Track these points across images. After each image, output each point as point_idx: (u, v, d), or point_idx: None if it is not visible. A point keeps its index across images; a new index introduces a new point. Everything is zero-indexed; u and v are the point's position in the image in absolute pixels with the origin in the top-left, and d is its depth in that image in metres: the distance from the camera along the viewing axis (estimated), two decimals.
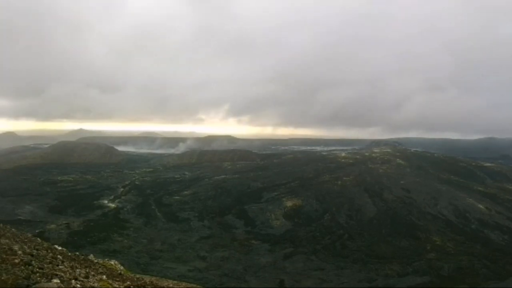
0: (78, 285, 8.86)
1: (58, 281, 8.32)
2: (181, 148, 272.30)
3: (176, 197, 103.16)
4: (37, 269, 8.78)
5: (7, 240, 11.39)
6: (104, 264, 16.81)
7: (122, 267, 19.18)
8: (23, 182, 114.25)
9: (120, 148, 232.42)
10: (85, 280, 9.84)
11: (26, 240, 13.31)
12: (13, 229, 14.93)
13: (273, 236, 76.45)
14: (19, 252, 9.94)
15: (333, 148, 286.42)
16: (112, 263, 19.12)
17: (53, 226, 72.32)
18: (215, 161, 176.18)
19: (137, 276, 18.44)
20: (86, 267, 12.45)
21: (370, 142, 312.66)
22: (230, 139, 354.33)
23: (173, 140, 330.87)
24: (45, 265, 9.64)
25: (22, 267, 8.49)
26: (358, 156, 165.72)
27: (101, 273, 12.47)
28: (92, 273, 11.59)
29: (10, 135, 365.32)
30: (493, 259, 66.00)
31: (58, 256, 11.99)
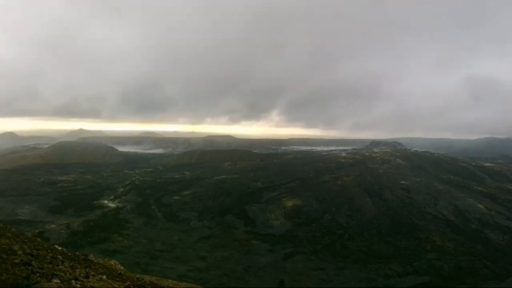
0: (78, 285, 8.87)
1: (58, 281, 8.33)
2: (181, 148, 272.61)
3: (176, 197, 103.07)
4: (37, 269, 8.78)
5: (7, 240, 11.38)
6: (104, 264, 16.82)
7: (122, 267, 19.19)
8: (23, 182, 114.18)
9: (120, 148, 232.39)
10: (85, 280, 9.85)
11: (26, 240, 13.31)
12: (13, 229, 14.92)
13: (273, 236, 76.37)
14: (19, 252, 9.95)
15: (333, 148, 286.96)
16: (112, 263, 19.14)
17: (53, 226, 72.21)
18: (215, 161, 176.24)
19: (137, 276, 18.46)
20: (86, 267, 12.44)
21: (370, 142, 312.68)
22: (230, 139, 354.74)
23: (173, 140, 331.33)
24: (45, 265, 9.65)
25: (22, 267, 8.50)
26: (358, 156, 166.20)
27: (101, 273, 12.47)
28: (92, 273, 11.59)
29: (10, 135, 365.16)
30: (493, 259, 65.97)
31: (58, 256, 11.99)
